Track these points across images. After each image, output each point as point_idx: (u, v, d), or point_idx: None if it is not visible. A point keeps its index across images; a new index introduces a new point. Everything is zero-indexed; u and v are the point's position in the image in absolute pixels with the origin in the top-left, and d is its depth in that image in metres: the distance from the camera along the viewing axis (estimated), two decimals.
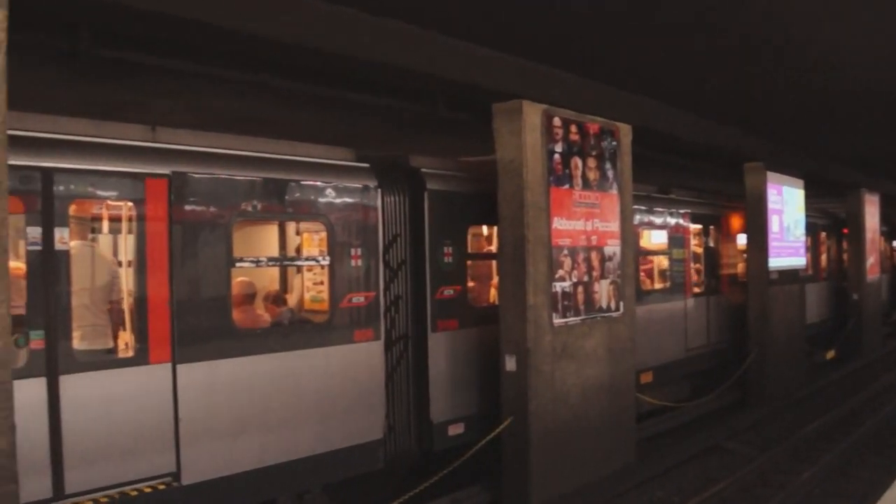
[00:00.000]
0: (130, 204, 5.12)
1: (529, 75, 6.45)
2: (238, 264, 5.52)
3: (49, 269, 4.66)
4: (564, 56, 6.35)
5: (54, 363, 4.66)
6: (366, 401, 6.22)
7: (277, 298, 6.24)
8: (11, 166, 3.69)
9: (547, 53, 6.26)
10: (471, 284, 7.34)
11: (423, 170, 6.81)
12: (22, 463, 3.69)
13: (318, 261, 6.22)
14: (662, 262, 9.99)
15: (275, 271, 6.74)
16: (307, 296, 6.55)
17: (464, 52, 5.84)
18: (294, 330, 5.96)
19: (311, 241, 6.57)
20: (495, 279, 7.41)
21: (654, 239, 10.13)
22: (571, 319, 6.91)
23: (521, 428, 6.50)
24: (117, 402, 4.90)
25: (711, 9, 5.32)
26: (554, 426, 6.73)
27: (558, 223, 6.77)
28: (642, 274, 9.51)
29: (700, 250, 10.86)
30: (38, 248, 4.64)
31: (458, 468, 6.37)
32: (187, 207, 5.19)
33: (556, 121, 6.77)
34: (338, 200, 6.10)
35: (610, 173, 7.41)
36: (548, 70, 6.57)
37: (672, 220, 10.08)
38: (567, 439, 6.90)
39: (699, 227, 10.85)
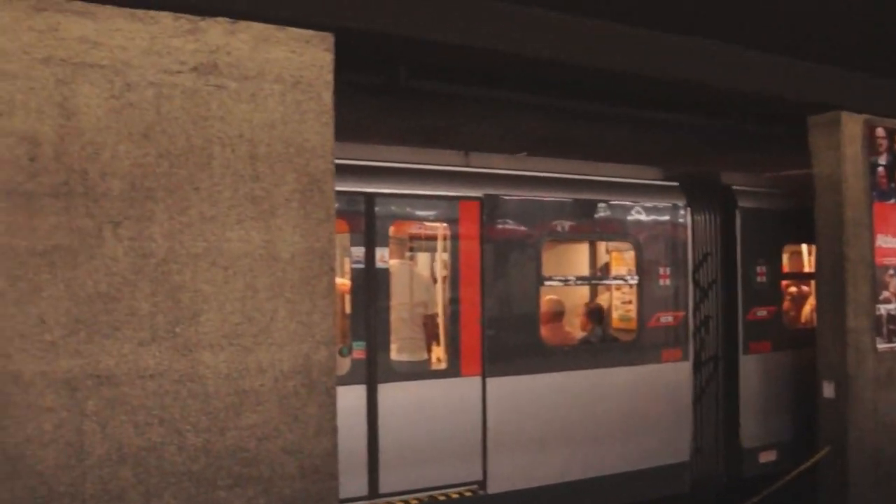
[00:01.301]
0: (445, 225, 7.17)
1: (848, 85, 8.08)
2: (547, 283, 7.70)
3: (371, 285, 6.58)
4: (885, 63, 8.07)
5: (374, 372, 6.51)
6: (672, 422, 8.17)
7: (588, 316, 8.58)
8: (339, 192, 5.29)
9: (866, 61, 7.93)
10: (784, 305, 9.14)
11: (735, 187, 8.76)
12: (342, 462, 5.21)
13: (626, 280, 8.43)
14: None
15: (584, 290, 9.20)
16: (615, 314, 8.91)
17: (778, 64, 7.52)
18: (602, 348, 8.10)
19: (620, 259, 8.94)
20: (810, 300, 9.21)
21: None
22: None
23: (840, 459, 8.04)
24: (429, 411, 6.75)
25: None
26: (877, 459, 8.18)
27: (883, 241, 8.33)
28: None
29: None
30: (361, 265, 6.58)
31: (769, 497, 8.05)
32: (498, 228, 7.34)
33: (880, 131, 8.43)
34: (646, 219, 8.22)
35: None
36: (867, 79, 8.20)
37: None
38: (893, 475, 8.27)
39: None
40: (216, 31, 4.97)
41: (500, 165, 7.69)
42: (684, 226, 8.46)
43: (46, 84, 4.59)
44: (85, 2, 4.69)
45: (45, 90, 4.59)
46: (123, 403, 4.73)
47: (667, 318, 8.32)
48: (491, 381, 7.08)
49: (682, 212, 8.48)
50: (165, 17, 4.85)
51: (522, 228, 7.52)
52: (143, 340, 4.74)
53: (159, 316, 4.77)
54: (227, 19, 5.00)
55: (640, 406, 8.04)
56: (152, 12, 4.83)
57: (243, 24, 5.03)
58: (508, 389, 7.20)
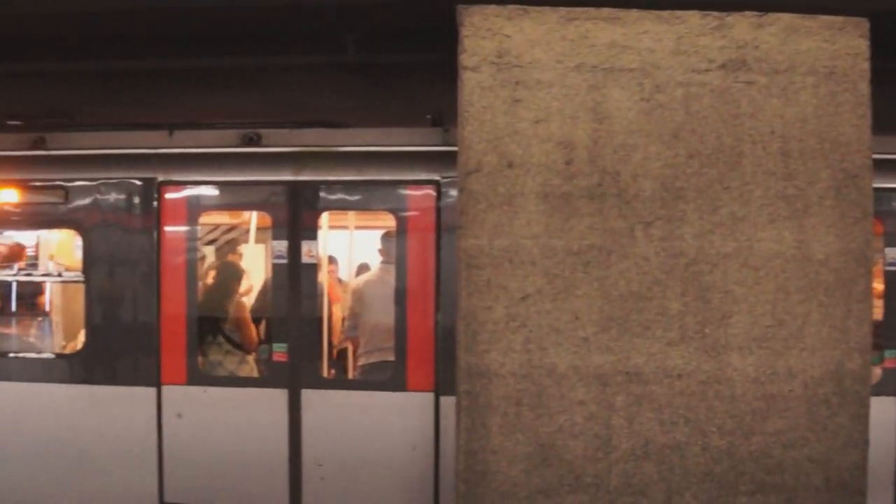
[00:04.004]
0: None
1: None
2: None
3: None
4: None
5: None
6: None
7: None
8: None
9: None
10: None
11: None
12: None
13: None
14: None
15: None
16: None
17: None
18: None
19: None
20: None
21: None
22: None
23: None
24: None
25: None
26: None
27: None
28: None
29: None
30: None
31: None
32: None
33: None
34: None
35: None
36: None
37: None
38: None
39: None
40: (743, 25, 5.06)
41: None
42: None
43: (579, 90, 5.03)
44: (613, 8, 5.08)
45: (578, 96, 5.03)
46: (650, 401, 5.03)
47: None
48: None
49: None
50: (692, 16, 5.04)
51: None
52: (672, 340, 4.99)
53: (689, 316, 4.99)
54: (754, 13, 5.06)
55: None
56: (678, 12, 5.05)
57: (771, 16, 5.05)
58: None
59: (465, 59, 5.08)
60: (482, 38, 5.07)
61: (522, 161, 5.00)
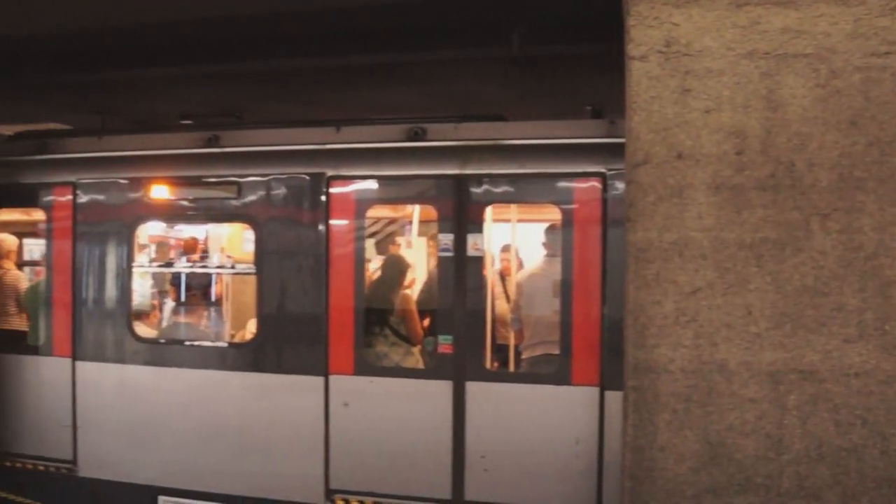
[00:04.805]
0: None
1: None
2: None
3: None
4: None
5: None
6: None
7: None
8: None
9: None
10: None
11: None
12: None
13: None
14: None
15: None
16: None
17: None
18: None
19: None
20: None
21: None
22: None
23: None
24: None
25: None
26: None
27: None
28: None
29: None
30: None
31: None
32: None
33: None
34: None
35: None
36: None
37: None
38: None
39: None
40: None
41: None
42: None
43: (751, 78, 4.95)
44: None
45: (750, 84, 4.95)
46: (825, 401, 4.90)
47: None
48: None
49: None
50: None
51: None
52: (850, 337, 4.85)
53: (868, 312, 4.83)
54: None
55: None
56: None
57: None
58: None
59: (632, 48, 5.09)
60: (649, 28, 5.06)
61: (692, 152, 4.98)
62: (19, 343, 8.54)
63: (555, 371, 6.79)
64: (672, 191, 4.99)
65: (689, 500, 5.09)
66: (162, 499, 7.62)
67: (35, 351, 8.24)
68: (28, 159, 8.19)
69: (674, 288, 5.00)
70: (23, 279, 9.16)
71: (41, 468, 8.07)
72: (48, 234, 8.24)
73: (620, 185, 6.24)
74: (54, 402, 8.03)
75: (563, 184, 6.76)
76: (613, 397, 6.28)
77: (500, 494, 6.81)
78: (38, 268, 9.31)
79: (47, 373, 8.10)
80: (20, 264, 9.52)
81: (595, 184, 6.60)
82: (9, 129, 10.15)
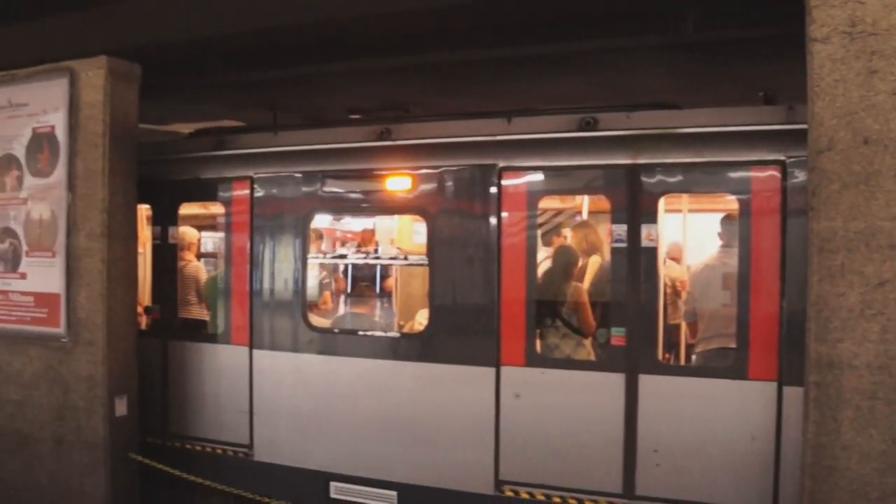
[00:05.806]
0: None
1: None
2: None
3: None
4: None
5: None
6: None
7: None
8: None
9: None
10: None
11: None
12: None
13: None
14: None
15: None
16: None
17: None
18: None
19: None
20: None
21: None
22: None
23: None
24: None
25: None
26: None
27: None
28: None
29: None
30: None
31: None
32: None
33: None
34: None
35: None
36: None
37: None
38: None
39: None
40: None
41: None
42: None
43: None
44: None
45: None
46: None
47: None
48: None
49: None
50: None
51: None
52: None
53: None
54: None
55: None
56: None
57: None
58: None
59: (814, 30, 4.97)
60: (832, 7, 4.94)
61: (880, 137, 4.82)
62: (199, 331, 9.02)
63: (731, 365, 6.69)
64: (858, 178, 4.85)
65: (874, 503, 4.95)
66: (333, 484, 7.87)
67: (214, 339, 8.68)
68: (208, 155, 8.63)
69: (859, 280, 4.87)
70: (202, 270, 9.63)
71: (219, 451, 8.49)
72: (227, 227, 8.64)
73: (801, 174, 6.09)
74: (232, 389, 8.44)
75: (740, 173, 6.64)
76: (792, 393, 6.15)
77: (672, 490, 6.74)
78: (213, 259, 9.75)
79: (226, 360, 8.51)
80: (198, 256, 9.99)
81: (774, 172, 6.46)
82: (187, 127, 10.76)
